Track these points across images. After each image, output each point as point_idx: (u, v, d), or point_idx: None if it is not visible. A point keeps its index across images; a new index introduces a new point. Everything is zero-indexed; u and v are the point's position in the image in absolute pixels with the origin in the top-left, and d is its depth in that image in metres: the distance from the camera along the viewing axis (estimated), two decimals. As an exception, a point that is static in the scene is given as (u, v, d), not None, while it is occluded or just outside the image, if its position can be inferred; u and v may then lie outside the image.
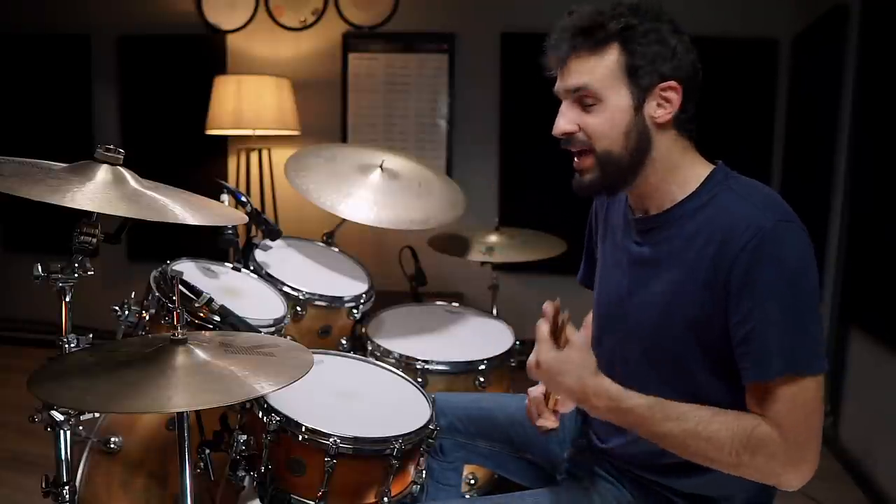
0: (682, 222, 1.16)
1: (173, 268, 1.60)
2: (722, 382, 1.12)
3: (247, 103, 3.52)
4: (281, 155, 3.82)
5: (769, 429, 1.04)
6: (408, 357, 1.84)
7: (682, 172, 1.18)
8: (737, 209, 1.10)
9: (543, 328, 1.14)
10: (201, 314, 1.48)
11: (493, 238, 2.47)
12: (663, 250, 1.19)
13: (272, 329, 1.65)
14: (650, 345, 1.20)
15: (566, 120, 1.17)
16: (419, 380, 1.71)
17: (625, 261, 1.27)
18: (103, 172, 1.14)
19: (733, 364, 1.09)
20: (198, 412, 1.34)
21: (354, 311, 1.95)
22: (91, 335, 1.23)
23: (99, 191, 1.09)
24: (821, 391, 1.07)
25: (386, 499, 1.34)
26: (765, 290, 1.04)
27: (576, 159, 1.20)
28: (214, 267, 1.80)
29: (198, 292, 1.48)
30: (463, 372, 1.86)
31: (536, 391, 1.31)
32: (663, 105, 1.15)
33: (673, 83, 1.14)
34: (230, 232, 1.81)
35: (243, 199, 1.89)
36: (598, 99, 1.14)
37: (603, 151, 1.16)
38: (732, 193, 1.13)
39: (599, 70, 1.13)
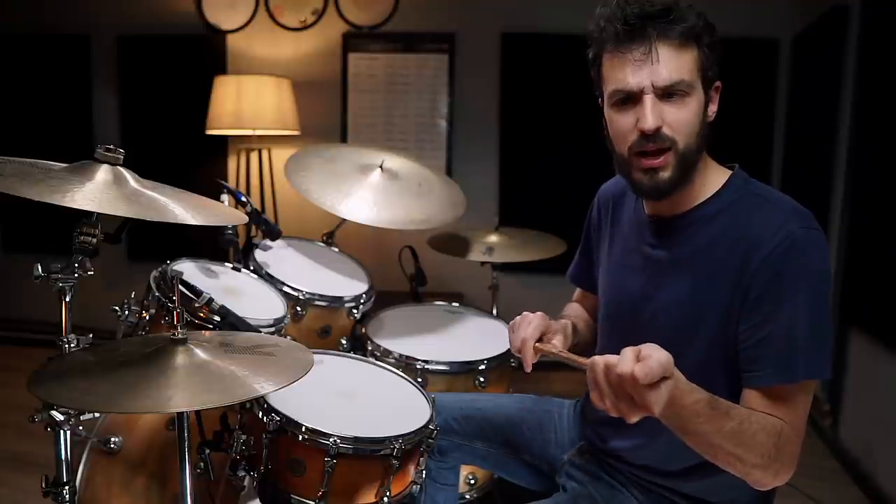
0: (704, 224, 1.16)
1: (173, 268, 1.60)
2: (737, 386, 1.11)
3: (247, 103, 3.52)
4: (281, 155, 3.82)
5: (790, 431, 1.04)
6: (408, 357, 1.84)
7: (705, 175, 1.18)
8: (765, 214, 1.10)
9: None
10: (201, 314, 1.48)
11: (493, 238, 2.47)
12: (683, 252, 1.17)
13: (272, 329, 1.65)
14: (669, 347, 1.18)
15: (655, 116, 1.08)
16: (419, 380, 1.71)
17: (638, 263, 1.26)
18: (103, 172, 1.14)
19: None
20: (198, 412, 1.34)
21: (354, 311, 1.95)
22: (91, 335, 1.23)
23: (99, 191, 1.09)
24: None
25: (386, 499, 1.34)
26: (792, 294, 1.05)
27: (647, 160, 1.12)
28: (214, 267, 1.80)
29: (198, 292, 1.48)
30: (463, 372, 1.86)
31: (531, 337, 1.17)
32: (713, 104, 1.16)
33: (719, 84, 1.15)
34: (230, 232, 1.81)
35: (243, 199, 1.89)
36: (687, 94, 1.09)
37: (685, 147, 1.10)
38: (758, 199, 1.14)
39: (688, 64, 1.09)
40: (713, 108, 1.16)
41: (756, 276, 1.07)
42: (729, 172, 1.19)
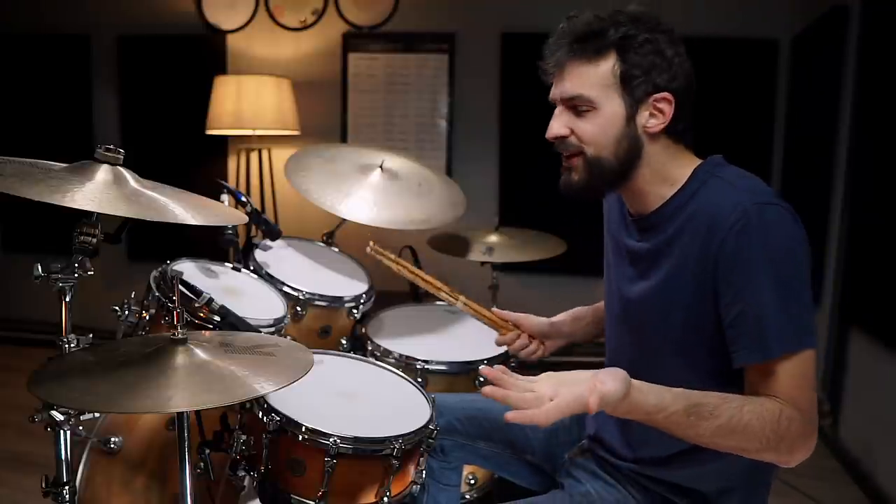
0: (673, 217, 1.19)
1: (173, 268, 1.60)
2: (723, 368, 1.13)
3: (247, 103, 3.53)
4: (281, 155, 3.82)
5: (791, 410, 1.05)
6: (408, 357, 1.84)
7: (673, 174, 1.20)
8: (719, 196, 1.13)
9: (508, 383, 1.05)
10: (201, 314, 1.48)
11: (493, 238, 2.47)
12: (658, 246, 1.21)
13: (272, 329, 1.65)
14: (651, 337, 1.22)
15: (559, 124, 1.20)
16: (419, 380, 1.71)
17: (626, 258, 1.30)
18: (103, 172, 1.14)
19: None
20: (198, 412, 1.34)
21: (354, 311, 1.95)
22: (91, 335, 1.23)
23: (99, 191, 1.09)
24: (815, 365, 1.09)
25: (386, 499, 1.34)
26: (753, 269, 1.06)
27: (565, 159, 1.23)
28: (214, 267, 1.80)
29: (198, 292, 1.48)
30: (463, 372, 1.86)
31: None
32: (656, 115, 1.16)
33: (667, 95, 1.15)
34: (230, 232, 1.81)
35: (243, 199, 1.89)
36: (592, 106, 1.16)
37: (593, 156, 1.18)
38: (716, 181, 1.16)
39: (594, 78, 1.15)
40: (655, 121, 1.16)
41: (718, 258, 1.09)
42: (697, 162, 1.21)
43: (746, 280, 1.07)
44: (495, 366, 1.07)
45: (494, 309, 1.39)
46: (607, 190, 1.25)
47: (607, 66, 1.14)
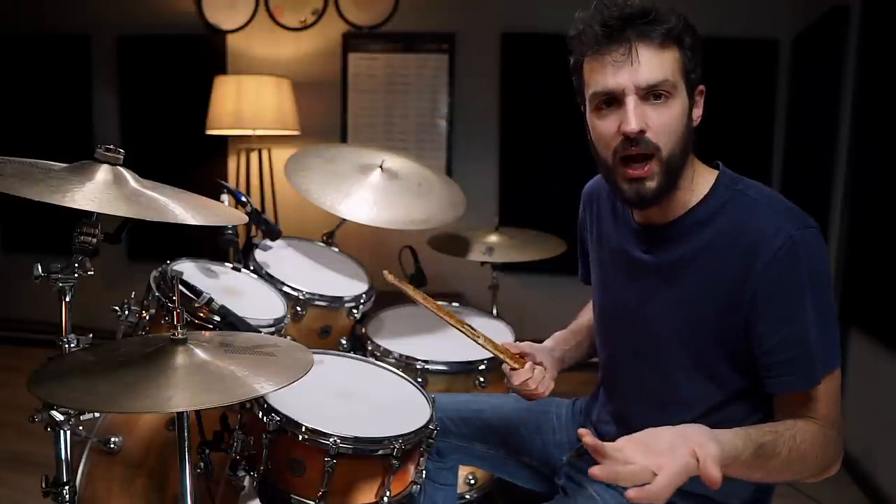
0: (697, 230, 1.15)
1: (173, 268, 1.60)
2: (741, 376, 1.13)
3: (247, 103, 3.53)
4: (281, 155, 3.82)
5: (830, 430, 1.06)
6: (408, 357, 1.84)
7: (692, 178, 1.16)
8: (760, 217, 1.09)
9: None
10: (201, 314, 1.48)
11: (493, 238, 2.47)
12: (677, 259, 1.17)
13: (272, 329, 1.65)
14: (669, 352, 1.19)
15: (639, 119, 1.05)
16: (419, 380, 1.71)
17: (632, 270, 1.25)
18: (103, 172, 1.14)
19: (754, 363, 1.10)
20: (198, 412, 1.34)
21: (354, 311, 1.95)
22: (91, 335, 1.23)
23: (99, 191, 1.09)
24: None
25: (386, 499, 1.34)
26: (799, 297, 1.05)
27: (631, 169, 1.09)
28: (214, 267, 1.80)
29: (198, 292, 1.48)
30: (463, 372, 1.86)
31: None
32: (698, 107, 1.14)
33: (703, 88, 1.14)
34: (230, 232, 1.81)
35: (243, 199, 1.89)
36: (671, 95, 1.07)
37: (669, 154, 1.08)
38: (748, 199, 1.12)
39: (670, 65, 1.07)
40: (698, 113, 1.14)
41: (760, 282, 1.06)
42: (715, 173, 1.18)
43: (792, 308, 1.05)
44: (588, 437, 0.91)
45: (505, 342, 1.35)
46: (669, 194, 1.12)
47: (675, 54, 1.08)
